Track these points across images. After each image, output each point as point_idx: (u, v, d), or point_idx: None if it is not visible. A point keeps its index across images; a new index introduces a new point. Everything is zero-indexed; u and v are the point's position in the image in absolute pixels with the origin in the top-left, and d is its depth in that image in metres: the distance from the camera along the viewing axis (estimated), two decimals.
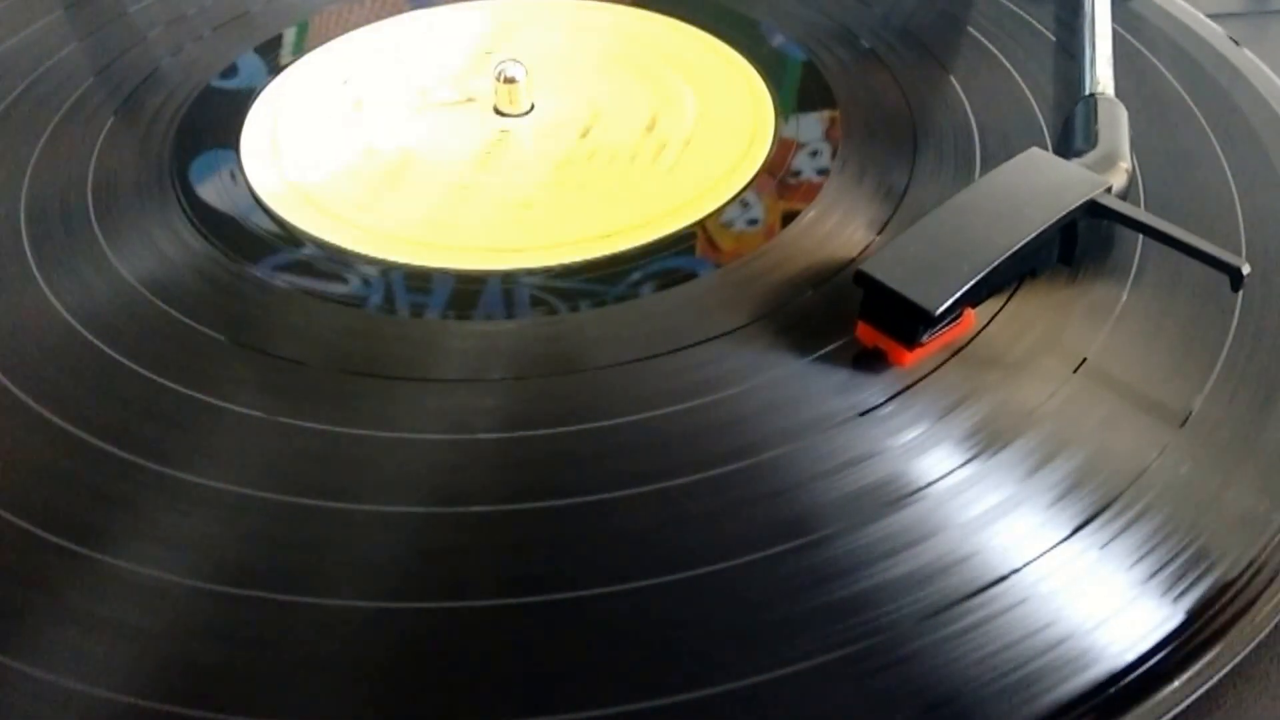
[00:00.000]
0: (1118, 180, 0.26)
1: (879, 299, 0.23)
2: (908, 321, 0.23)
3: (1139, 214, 0.25)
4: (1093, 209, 0.25)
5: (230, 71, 0.35)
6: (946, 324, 0.23)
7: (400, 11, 0.38)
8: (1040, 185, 0.25)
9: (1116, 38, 0.34)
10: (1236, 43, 0.34)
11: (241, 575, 0.20)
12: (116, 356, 0.25)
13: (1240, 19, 0.39)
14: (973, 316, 0.24)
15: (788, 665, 0.18)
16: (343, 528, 0.21)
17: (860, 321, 0.24)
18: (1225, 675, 0.19)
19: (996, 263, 0.23)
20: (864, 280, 0.23)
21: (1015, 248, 0.23)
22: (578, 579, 0.20)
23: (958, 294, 0.23)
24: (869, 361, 0.24)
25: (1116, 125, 0.28)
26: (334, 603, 0.20)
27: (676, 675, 0.18)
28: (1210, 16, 0.36)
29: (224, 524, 0.21)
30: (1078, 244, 0.25)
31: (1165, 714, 0.18)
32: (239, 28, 0.38)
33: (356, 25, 0.37)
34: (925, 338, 0.23)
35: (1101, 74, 0.31)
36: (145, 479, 0.22)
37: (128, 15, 0.39)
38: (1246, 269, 0.23)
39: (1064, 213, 0.24)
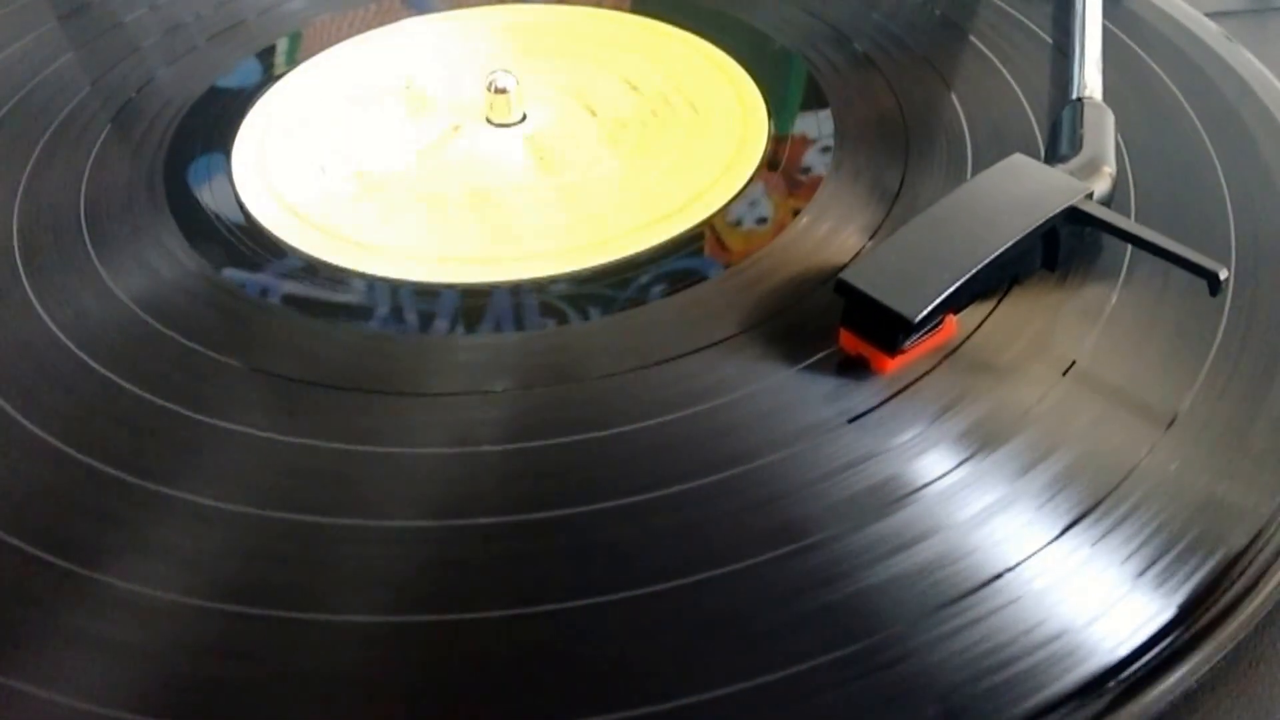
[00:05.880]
0: (1100, 185, 0.26)
1: (860, 307, 0.23)
2: (888, 329, 0.23)
3: (1118, 219, 0.25)
4: (1073, 215, 0.25)
5: (225, 81, 0.35)
6: (927, 331, 0.24)
7: (396, 19, 0.38)
8: (1021, 192, 0.25)
9: (1113, 38, 0.34)
10: (1230, 39, 0.34)
11: (244, 593, 0.20)
12: (110, 375, 0.25)
13: (1240, 17, 0.39)
14: (955, 323, 0.24)
15: (787, 667, 0.19)
16: (348, 543, 0.21)
17: (842, 329, 0.24)
18: (1212, 672, 0.20)
19: (975, 270, 0.23)
20: (844, 289, 0.23)
21: (994, 255, 0.24)
22: (584, 588, 0.20)
23: (936, 301, 0.23)
24: (860, 368, 0.24)
25: (1102, 130, 0.28)
26: (340, 619, 0.20)
27: (680, 679, 0.19)
28: (1209, 15, 0.36)
29: (226, 542, 0.21)
30: (1060, 249, 0.25)
31: (1158, 709, 0.19)
32: (234, 37, 0.38)
33: (353, 34, 0.38)
34: (906, 345, 0.23)
35: (1089, 78, 0.31)
36: (143, 498, 0.22)
37: (123, 25, 0.39)
38: (1224, 274, 0.23)
39: (1043, 219, 0.24)
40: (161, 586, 0.20)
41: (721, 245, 0.28)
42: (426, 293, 0.27)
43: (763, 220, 0.29)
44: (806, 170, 0.31)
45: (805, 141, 0.32)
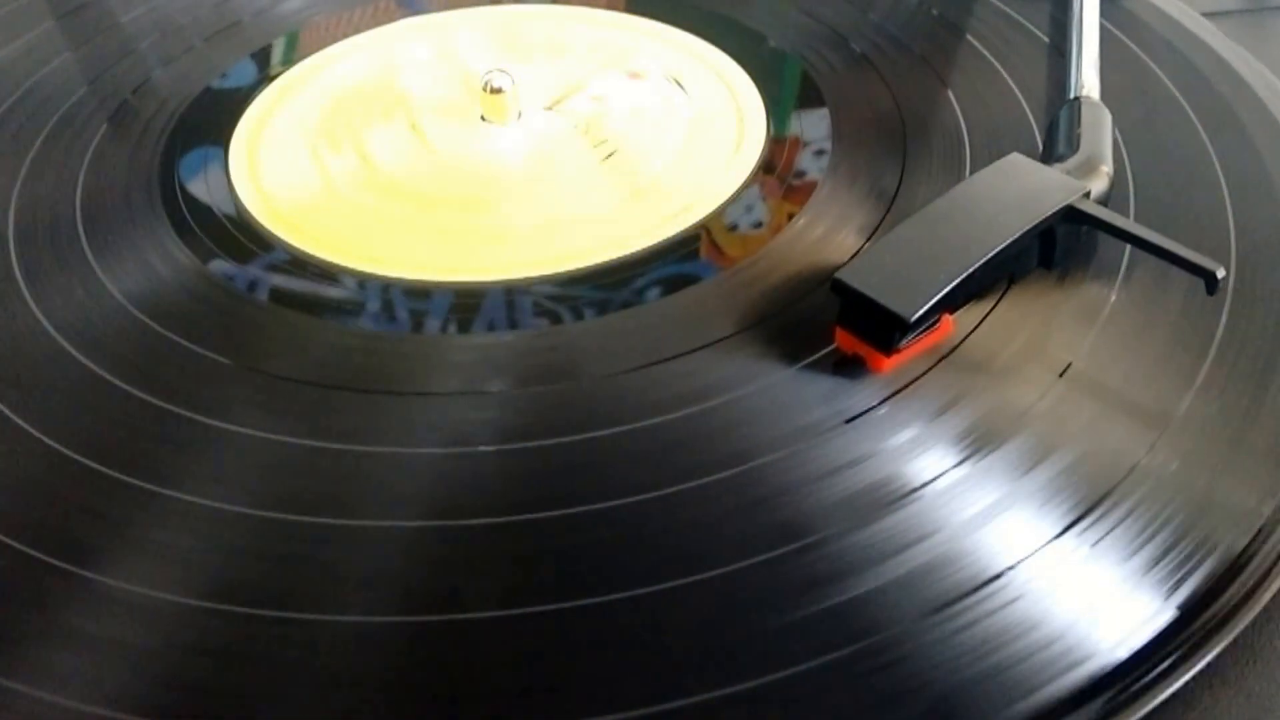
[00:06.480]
0: (1098, 185, 0.26)
1: (856, 306, 0.23)
2: (884, 328, 0.23)
3: (1116, 219, 0.25)
4: (1071, 214, 0.25)
5: (221, 82, 0.35)
6: (923, 330, 0.24)
7: (391, 20, 0.38)
8: (1018, 191, 0.25)
9: (1111, 38, 0.34)
10: (1227, 39, 0.34)
11: (238, 592, 0.20)
12: (106, 374, 0.25)
13: (1238, 16, 0.39)
14: (951, 322, 0.24)
15: (785, 668, 0.18)
16: (342, 543, 0.21)
17: (839, 329, 0.24)
18: (1211, 672, 0.19)
19: (972, 269, 0.23)
20: (840, 288, 0.23)
21: (990, 254, 0.23)
22: (577, 589, 0.20)
23: (932, 300, 0.23)
24: (857, 367, 0.24)
25: (1099, 129, 0.28)
26: (334, 618, 0.20)
27: (677, 680, 0.19)
28: (1207, 14, 0.36)
29: (221, 541, 0.21)
30: (1057, 248, 0.25)
31: (1157, 708, 0.19)
32: (230, 37, 0.38)
33: (348, 34, 0.38)
34: (902, 344, 0.23)
35: (1087, 77, 0.31)
36: (139, 497, 0.22)
37: (120, 25, 0.39)
38: (1222, 273, 0.23)
39: (1040, 219, 0.24)
40: (156, 586, 0.20)
41: (718, 245, 0.28)
42: (422, 292, 0.27)
43: (760, 220, 0.29)
44: (803, 170, 0.31)
45: (802, 141, 0.32)
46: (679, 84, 0.34)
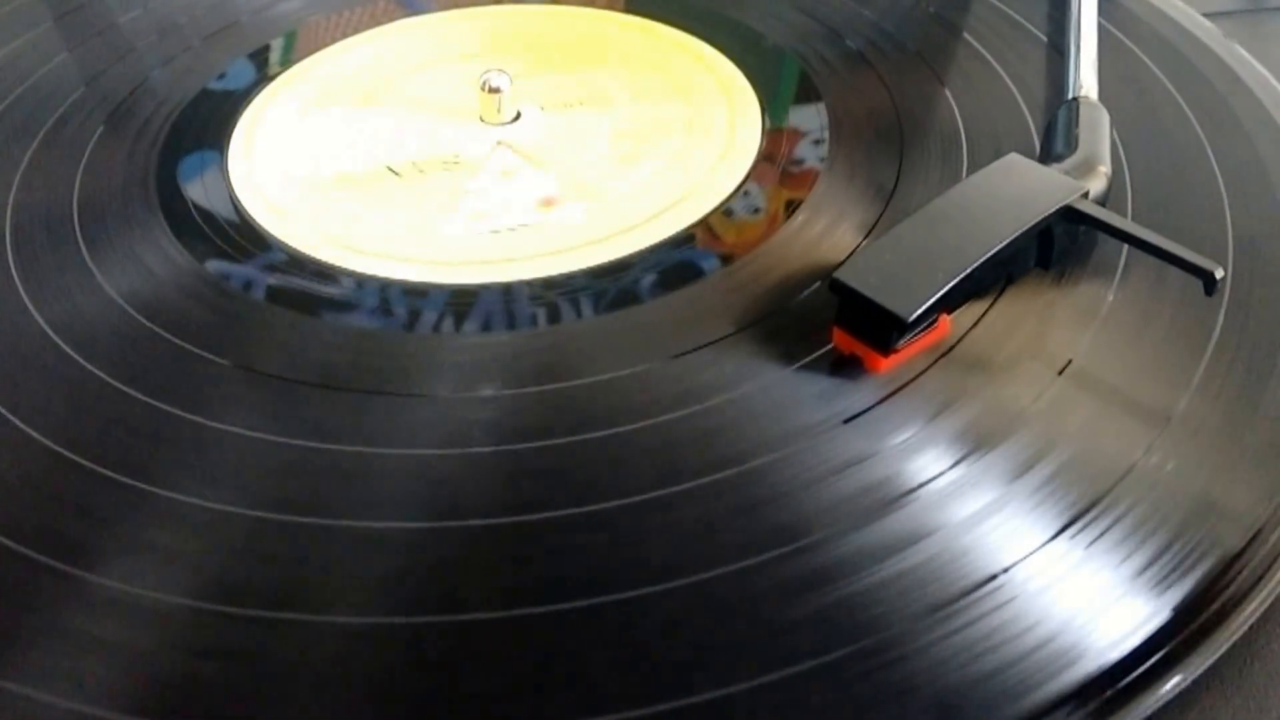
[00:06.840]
0: (1096, 185, 0.26)
1: (854, 306, 0.23)
2: (882, 328, 0.23)
3: (1114, 219, 0.25)
4: (1069, 214, 0.25)
5: (219, 81, 0.35)
6: (921, 330, 0.24)
7: (390, 20, 0.38)
8: (1017, 191, 0.25)
9: (1109, 37, 0.34)
10: (1226, 38, 0.34)
11: (234, 592, 0.20)
12: (102, 374, 0.25)
13: (1236, 16, 0.39)
14: (948, 322, 0.24)
15: (782, 668, 0.18)
16: (338, 544, 0.21)
17: (836, 328, 0.24)
18: (1206, 673, 0.19)
19: (970, 269, 0.23)
20: (839, 288, 0.23)
21: (989, 254, 0.23)
22: (575, 590, 0.20)
23: (931, 300, 0.23)
24: (855, 367, 0.24)
25: (1097, 129, 0.28)
26: (330, 619, 0.20)
27: (674, 681, 0.18)
28: (1205, 14, 0.36)
29: (216, 541, 0.21)
30: (1055, 248, 0.25)
31: (1153, 709, 0.19)
32: (229, 37, 0.38)
33: (346, 34, 0.38)
34: (900, 344, 0.23)
35: (1085, 77, 0.31)
36: (134, 497, 0.22)
37: (117, 25, 0.39)
38: (1220, 273, 0.23)
39: (1039, 219, 0.24)
40: (153, 586, 0.20)
41: (715, 245, 0.28)
42: (419, 292, 0.27)
43: (757, 220, 0.29)
44: (801, 169, 0.31)
45: (799, 140, 0.32)
46: (676, 83, 0.32)
